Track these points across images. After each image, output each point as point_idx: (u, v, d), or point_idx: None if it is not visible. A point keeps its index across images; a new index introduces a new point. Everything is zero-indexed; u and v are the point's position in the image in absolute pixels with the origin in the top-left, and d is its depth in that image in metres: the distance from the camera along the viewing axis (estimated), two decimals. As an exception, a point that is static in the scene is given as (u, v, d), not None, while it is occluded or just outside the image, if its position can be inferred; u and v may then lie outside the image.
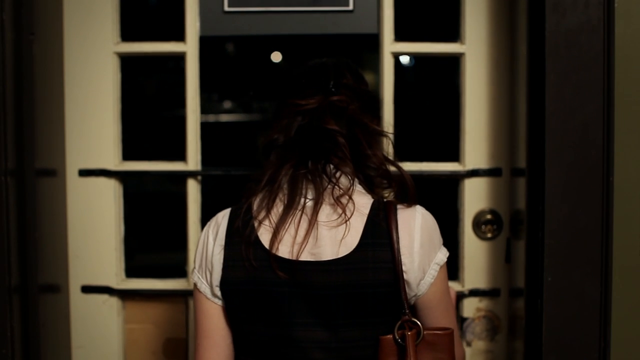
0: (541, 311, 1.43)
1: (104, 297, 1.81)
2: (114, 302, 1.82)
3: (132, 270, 1.86)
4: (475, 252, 1.77)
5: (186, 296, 1.83)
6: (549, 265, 1.42)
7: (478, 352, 1.78)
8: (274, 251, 1.16)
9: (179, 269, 1.85)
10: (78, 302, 1.81)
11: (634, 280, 1.43)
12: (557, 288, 1.42)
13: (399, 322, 1.16)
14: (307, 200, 1.19)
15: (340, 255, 1.15)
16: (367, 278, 1.14)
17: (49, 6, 1.69)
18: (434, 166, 1.79)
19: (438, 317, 1.22)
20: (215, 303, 1.22)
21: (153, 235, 2.94)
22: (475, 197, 1.76)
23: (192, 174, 1.80)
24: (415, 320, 1.17)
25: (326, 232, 1.16)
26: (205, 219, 1.81)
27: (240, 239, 1.18)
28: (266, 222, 1.19)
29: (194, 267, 1.25)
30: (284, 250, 1.16)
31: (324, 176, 1.20)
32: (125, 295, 1.83)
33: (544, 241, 1.42)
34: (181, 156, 1.81)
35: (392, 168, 1.28)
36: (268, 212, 1.19)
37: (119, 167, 1.81)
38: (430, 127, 2.64)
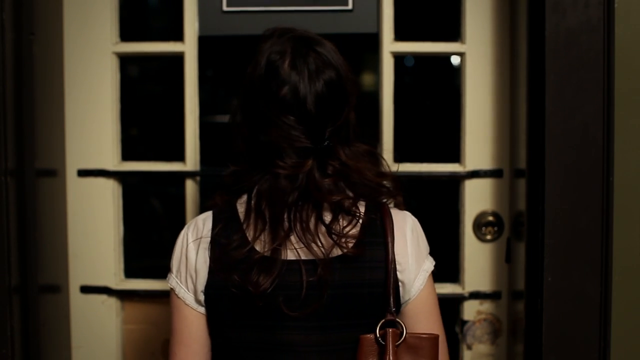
0: (541, 311, 1.42)
1: (103, 297, 1.81)
2: (112, 302, 1.82)
3: (131, 270, 1.86)
4: (476, 254, 1.76)
5: (185, 297, 1.83)
6: (549, 265, 1.42)
7: (479, 355, 1.77)
8: (265, 252, 1.11)
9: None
10: (77, 302, 1.81)
11: (634, 280, 1.42)
12: (557, 288, 1.41)
13: (382, 321, 1.12)
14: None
15: (337, 254, 1.12)
16: (364, 277, 1.12)
17: (49, 6, 1.69)
18: (434, 167, 1.78)
19: (429, 323, 1.18)
20: (195, 310, 1.16)
21: (152, 236, 2.93)
22: (475, 198, 1.76)
23: (191, 174, 1.79)
24: (399, 321, 1.13)
25: (323, 231, 1.12)
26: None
27: (227, 241, 1.13)
28: (258, 221, 1.13)
29: (171, 272, 1.19)
30: (276, 250, 1.11)
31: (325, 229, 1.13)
32: (124, 295, 1.83)
33: (544, 241, 1.42)
34: (180, 156, 1.81)
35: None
36: (258, 211, 1.14)
37: (118, 168, 1.81)
38: (431, 128, 2.64)
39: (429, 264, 1.20)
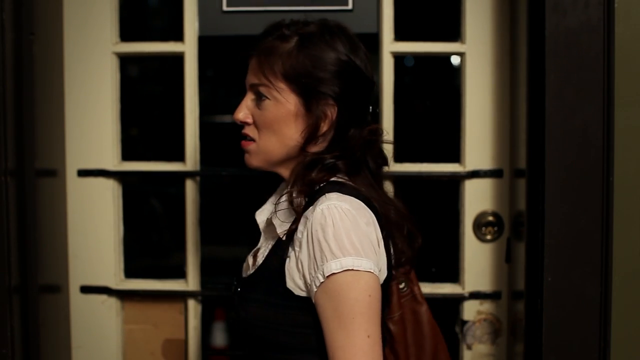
0: (541, 311, 1.42)
1: (103, 297, 1.81)
2: (112, 302, 1.82)
3: (131, 270, 1.86)
4: (476, 254, 1.76)
5: (185, 297, 1.83)
6: (549, 265, 1.42)
7: (479, 355, 1.77)
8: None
9: (178, 270, 1.85)
10: (77, 302, 1.81)
11: (634, 280, 1.43)
12: (557, 288, 1.41)
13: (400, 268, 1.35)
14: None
15: None
16: None
17: (49, 6, 1.69)
18: (434, 167, 1.78)
19: None
20: None
21: (152, 236, 2.94)
22: (475, 198, 1.76)
23: (191, 174, 1.79)
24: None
25: None
26: (204, 219, 1.81)
27: (381, 225, 1.19)
28: (381, 196, 1.26)
29: (361, 256, 1.08)
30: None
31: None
32: (124, 295, 1.83)
33: (544, 241, 1.42)
34: (179, 156, 1.81)
35: None
36: (373, 187, 1.26)
37: (118, 168, 1.81)
38: (431, 128, 2.64)
39: None
